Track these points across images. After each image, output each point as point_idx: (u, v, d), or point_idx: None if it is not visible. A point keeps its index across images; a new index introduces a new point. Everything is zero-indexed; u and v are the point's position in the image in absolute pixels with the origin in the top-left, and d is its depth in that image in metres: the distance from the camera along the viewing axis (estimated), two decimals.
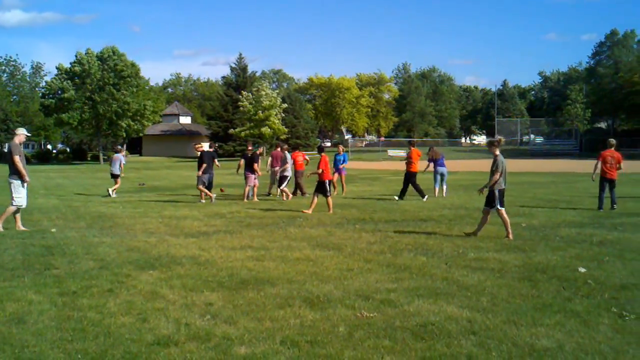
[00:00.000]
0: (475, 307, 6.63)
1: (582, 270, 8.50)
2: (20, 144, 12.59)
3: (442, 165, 20.84)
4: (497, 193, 11.54)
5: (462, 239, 11.27)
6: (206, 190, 18.88)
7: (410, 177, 19.30)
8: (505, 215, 11.57)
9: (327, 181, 16.12)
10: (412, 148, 19.90)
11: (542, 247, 10.41)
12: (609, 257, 9.50)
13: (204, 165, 18.65)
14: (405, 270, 8.60)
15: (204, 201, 18.75)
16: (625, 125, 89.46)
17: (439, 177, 20.69)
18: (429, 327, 5.94)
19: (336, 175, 21.76)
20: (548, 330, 5.83)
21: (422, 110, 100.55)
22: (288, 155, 20.24)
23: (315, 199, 15.82)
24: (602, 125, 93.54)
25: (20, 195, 12.45)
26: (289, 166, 20.03)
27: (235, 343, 5.51)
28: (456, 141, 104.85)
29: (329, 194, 16.05)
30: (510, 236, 11.41)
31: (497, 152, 11.77)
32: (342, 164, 21.84)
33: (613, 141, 16.56)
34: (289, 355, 5.23)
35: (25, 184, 12.55)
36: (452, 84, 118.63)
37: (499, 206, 11.54)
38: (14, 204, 12.48)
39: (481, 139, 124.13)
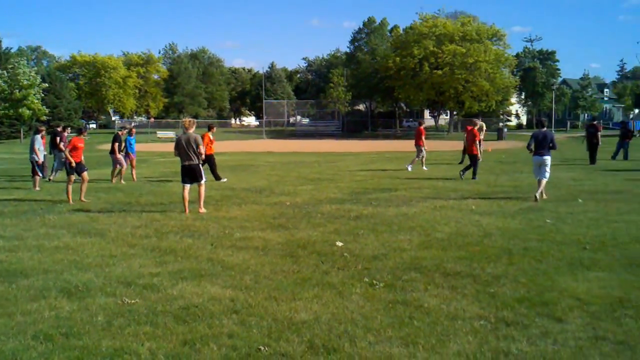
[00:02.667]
0: (239, 286, 6.74)
1: (340, 244, 9.01)
2: None
3: None
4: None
5: (228, 220, 11.39)
6: None
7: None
8: (185, 193, 12.50)
9: (77, 162, 14.79)
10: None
11: (304, 224, 10.85)
12: (364, 230, 10.17)
13: None
14: (171, 253, 8.50)
15: None
16: (381, 107, 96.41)
17: None
18: (191, 309, 5.93)
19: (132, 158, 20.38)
20: (306, 304, 6.09)
21: (192, 92, 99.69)
22: (38, 138, 18.55)
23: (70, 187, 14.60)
24: (362, 107, 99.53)
25: None
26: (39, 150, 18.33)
27: None
28: (226, 122, 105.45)
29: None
30: (187, 212, 12.23)
31: (182, 133, 12.66)
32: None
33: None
34: (41, 350, 4.92)
35: None
36: (221, 65, 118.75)
37: (181, 182, 12.67)
38: None
39: (250, 120, 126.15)
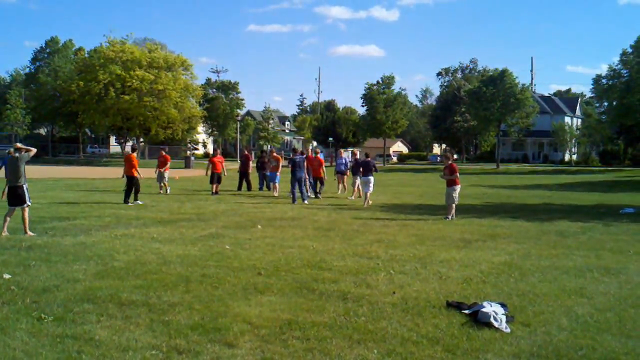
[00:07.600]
0: None
1: (7, 276, 8.33)
2: None
3: None
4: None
5: None
6: None
7: None
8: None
9: None
10: None
11: None
12: (36, 261, 9.51)
13: None
14: None
15: None
16: (64, 132, 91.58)
17: None
18: None
19: None
20: None
21: None
22: None
23: None
24: (42, 131, 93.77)
25: None
26: None
27: None
28: None
29: None
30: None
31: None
32: None
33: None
34: None
35: None
36: None
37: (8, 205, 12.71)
38: None
39: None
